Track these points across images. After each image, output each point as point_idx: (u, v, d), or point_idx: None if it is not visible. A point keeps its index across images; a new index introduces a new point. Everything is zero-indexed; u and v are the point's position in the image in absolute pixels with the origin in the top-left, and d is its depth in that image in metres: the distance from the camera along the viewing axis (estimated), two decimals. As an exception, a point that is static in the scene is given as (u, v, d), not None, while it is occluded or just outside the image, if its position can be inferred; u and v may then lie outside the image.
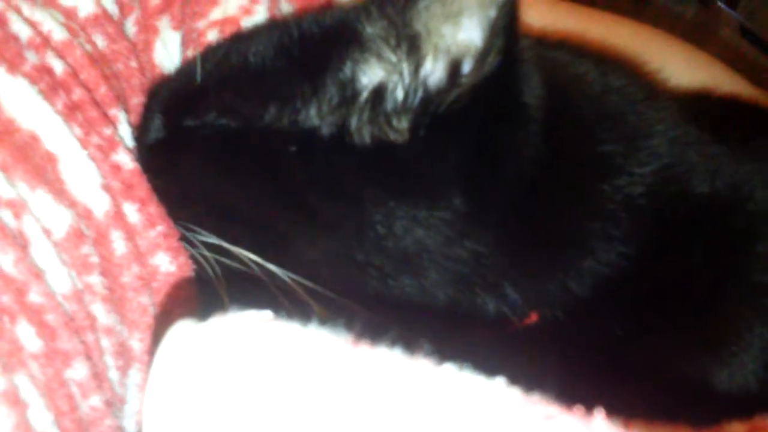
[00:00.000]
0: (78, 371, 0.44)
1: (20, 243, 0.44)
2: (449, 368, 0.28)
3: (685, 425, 0.32)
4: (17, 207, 0.45)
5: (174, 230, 0.54)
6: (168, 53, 0.61)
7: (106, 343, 0.47)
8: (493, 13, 0.45)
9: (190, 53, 0.60)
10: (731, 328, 0.48)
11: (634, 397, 0.27)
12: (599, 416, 0.25)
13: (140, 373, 0.50)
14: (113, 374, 0.48)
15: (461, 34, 0.47)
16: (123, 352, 0.49)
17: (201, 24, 0.60)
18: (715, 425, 0.34)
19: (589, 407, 0.26)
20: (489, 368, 0.28)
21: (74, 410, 0.43)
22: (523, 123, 0.50)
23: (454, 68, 0.47)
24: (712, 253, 0.51)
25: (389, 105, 0.49)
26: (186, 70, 0.58)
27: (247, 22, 0.60)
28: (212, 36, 0.60)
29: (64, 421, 0.43)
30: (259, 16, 0.61)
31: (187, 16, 0.61)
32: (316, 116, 0.51)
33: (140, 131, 0.57)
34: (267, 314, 0.32)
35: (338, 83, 0.51)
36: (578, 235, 0.50)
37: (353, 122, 0.50)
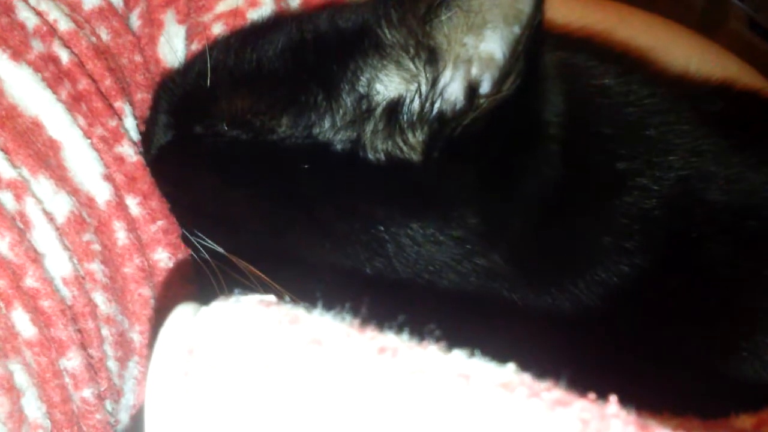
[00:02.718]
0: (72, 361, 0.43)
1: (19, 225, 0.43)
2: (458, 354, 0.27)
3: (693, 417, 0.31)
4: (18, 188, 0.44)
5: (174, 226, 0.54)
6: (172, 47, 0.60)
7: (106, 332, 0.46)
8: (517, 29, 0.44)
9: (194, 47, 0.59)
10: (745, 331, 0.48)
11: (642, 389, 0.26)
12: (613, 402, 0.25)
13: (139, 366, 0.49)
14: (112, 364, 0.47)
15: (483, 45, 0.46)
16: (123, 343, 0.48)
17: (206, 18, 0.60)
18: (723, 418, 0.34)
19: (600, 396, 0.26)
20: (499, 356, 0.27)
21: (66, 402, 0.43)
22: (542, 142, 0.49)
23: (472, 89, 0.47)
24: (727, 260, 0.50)
25: (405, 117, 0.48)
26: (195, 68, 0.56)
27: (254, 14, 0.59)
28: (218, 29, 0.59)
29: (56, 413, 0.42)
30: (266, 7, 0.60)
31: (193, 10, 0.60)
32: (330, 129, 0.50)
33: (147, 131, 0.57)
34: (271, 298, 0.31)
35: (354, 95, 0.50)
36: (590, 250, 0.50)
37: (368, 137, 0.49)
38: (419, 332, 0.29)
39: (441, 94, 0.48)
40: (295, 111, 0.50)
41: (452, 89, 0.47)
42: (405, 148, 0.49)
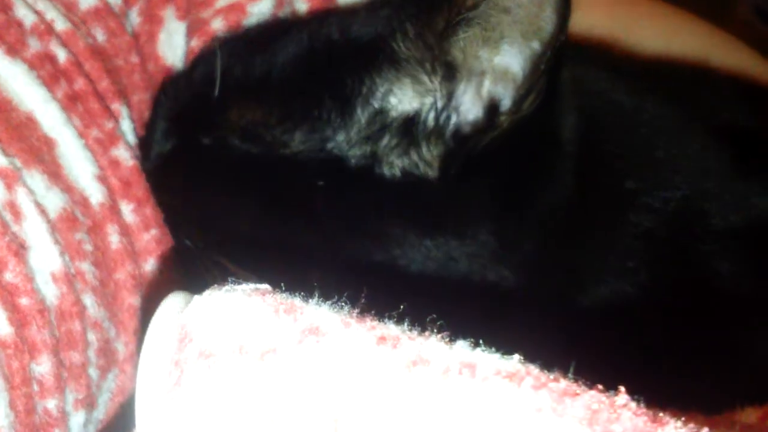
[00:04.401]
0: (42, 366, 0.41)
1: (6, 216, 0.42)
2: (462, 344, 0.27)
3: (698, 412, 0.31)
4: (10, 177, 0.42)
5: (167, 237, 0.52)
6: (172, 44, 0.59)
7: (91, 337, 0.45)
8: (536, 45, 0.43)
9: (194, 43, 0.58)
10: (751, 352, 0.48)
11: (645, 384, 0.25)
12: (623, 393, 0.24)
13: (116, 380, 0.48)
14: (93, 372, 0.45)
15: (498, 58, 0.45)
16: (107, 351, 0.46)
17: (206, 14, 0.59)
18: (728, 412, 0.33)
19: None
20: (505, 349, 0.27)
21: (30, 413, 0.41)
22: (558, 161, 0.49)
23: (493, 106, 0.46)
24: (729, 281, 0.50)
25: (421, 133, 0.48)
26: (199, 73, 0.55)
27: (254, 8, 0.58)
28: (217, 24, 0.58)
29: (18, 425, 0.40)
30: (266, 2, 0.59)
31: (192, 6, 0.59)
32: (344, 144, 0.49)
33: (146, 137, 0.55)
34: (266, 287, 0.30)
35: (369, 109, 0.49)
36: (596, 268, 0.49)
37: (383, 153, 0.48)
38: (420, 323, 0.28)
39: (458, 108, 0.47)
40: (309, 125, 0.49)
41: (470, 105, 0.47)
42: (421, 165, 0.48)
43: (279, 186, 0.50)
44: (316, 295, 0.30)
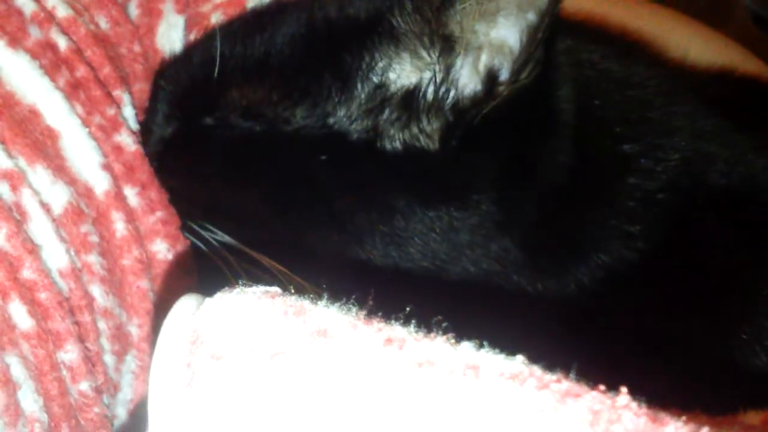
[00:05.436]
0: (70, 354, 0.43)
1: (16, 216, 0.43)
2: (466, 346, 0.27)
3: (701, 413, 0.31)
4: (15, 179, 0.43)
5: (173, 217, 0.53)
6: (171, 37, 0.59)
7: (102, 325, 0.46)
8: (532, 16, 0.44)
9: (193, 37, 0.58)
10: (749, 319, 0.48)
11: (648, 384, 0.26)
12: (624, 393, 0.24)
13: (136, 360, 0.49)
14: (108, 359, 0.46)
15: (494, 32, 0.45)
16: (120, 336, 0.47)
17: (205, 8, 0.59)
18: (731, 414, 0.34)
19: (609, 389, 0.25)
20: (507, 348, 0.27)
21: (64, 395, 0.42)
22: (557, 130, 0.49)
23: (492, 77, 0.46)
24: (729, 244, 0.50)
25: (421, 106, 0.48)
26: (197, 57, 0.55)
27: (252, 2, 0.58)
28: (216, 19, 0.58)
29: (53, 407, 0.42)
30: (265, -4, 0.59)
31: (192, 0, 0.60)
32: (345, 119, 0.49)
33: (146, 122, 0.56)
34: (275, 289, 0.31)
35: (369, 84, 0.49)
36: (596, 234, 0.50)
37: (384, 126, 0.49)
38: (426, 324, 0.29)
39: (457, 81, 0.47)
40: (310, 101, 0.50)
41: (467, 80, 0.47)
42: (422, 137, 0.48)
43: (282, 162, 0.50)
44: (325, 297, 0.30)
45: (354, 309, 0.30)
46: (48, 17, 0.51)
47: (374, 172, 0.49)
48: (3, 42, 0.47)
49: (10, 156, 0.44)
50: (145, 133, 0.55)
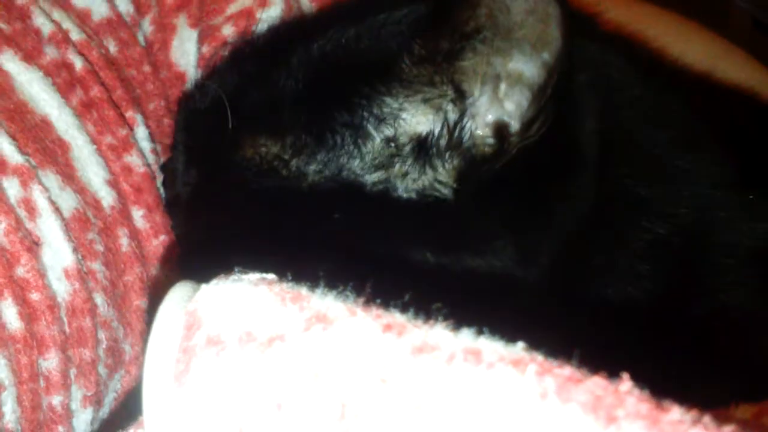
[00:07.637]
0: (50, 362, 0.42)
1: (19, 213, 0.42)
2: (466, 332, 0.27)
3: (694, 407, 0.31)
4: (25, 175, 0.43)
5: (176, 243, 0.53)
6: (185, 51, 0.60)
7: (101, 335, 0.45)
8: (547, 56, 0.44)
9: (205, 49, 0.59)
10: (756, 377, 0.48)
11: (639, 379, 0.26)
12: (626, 379, 0.24)
13: (122, 382, 0.48)
14: (102, 370, 0.45)
15: (511, 64, 0.45)
16: (115, 351, 0.47)
17: (217, 21, 0.59)
18: (723, 407, 0.34)
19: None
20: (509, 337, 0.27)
21: (35, 409, 0.41)
22: (577, 168, 0.49)
23: (501, 129, 0.46)
24: (738, 300, 0.50)
25: (434, 153, 0.48)
26: (212, 101, 0.54)
27: (264, 15, 0.58)
28: (227, 31, 0.58)
29: (22, 420, 0.40)
30: (276, 7, 0.59)
31: (204, 13, 0.60)
32: (359, 170, 0.49)
33: (169, 164, 0.55)
34: (272, 277, 0.31)
35: (382, 133, 0.49)
36: (604, 269, 0.49)
37: (398, 176, 0.48)
38: (425, 311, 0.28)
39: (470, 129, 0.47)
40: (324, 155, 0.49)
41: (487, 108, 0.47)
42: (436, 185, 0.48)
43: (297, 217, 0.50)
44: (322, 284, 0.30)
45: (352, 296, 0.29)
46: (65, 38, 0.51)
47: (389, 222, 0.48)
48: (18, 57, 0.48)
49: (22, 153, 0.44)
50: (167, 175, 0.54)
